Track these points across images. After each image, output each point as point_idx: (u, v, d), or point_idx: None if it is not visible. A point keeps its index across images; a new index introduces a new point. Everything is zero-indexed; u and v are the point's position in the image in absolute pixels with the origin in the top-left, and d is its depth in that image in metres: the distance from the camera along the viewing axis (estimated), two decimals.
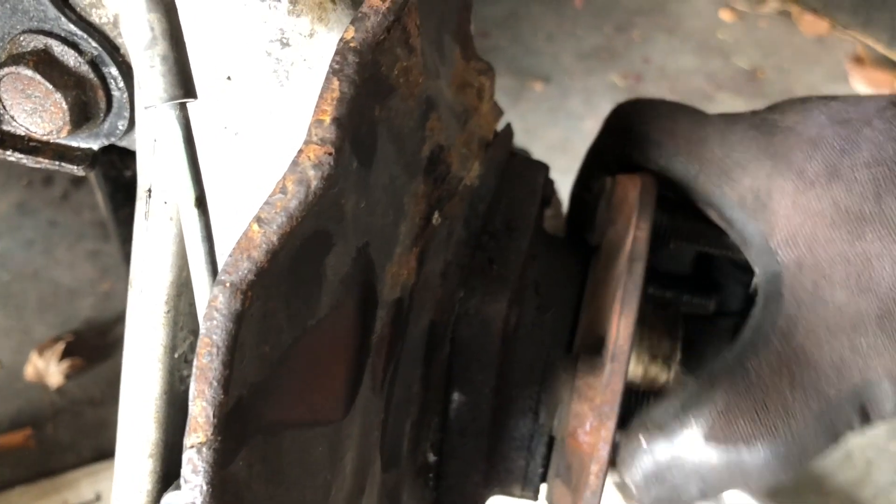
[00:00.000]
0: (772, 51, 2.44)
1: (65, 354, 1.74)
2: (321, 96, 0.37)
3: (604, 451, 0.52)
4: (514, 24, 2.42)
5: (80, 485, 1.59)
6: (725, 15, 2.53)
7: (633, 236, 0.55)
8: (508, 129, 0.64)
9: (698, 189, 0.58)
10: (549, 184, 0.67)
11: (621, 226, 0.57)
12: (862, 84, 2.34)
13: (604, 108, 2.51)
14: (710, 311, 0.66)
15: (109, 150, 0.85)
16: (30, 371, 1.74)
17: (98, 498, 1.58)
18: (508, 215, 0.60)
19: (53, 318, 1.83)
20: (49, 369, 1.72)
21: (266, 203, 0.36)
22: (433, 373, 0.55)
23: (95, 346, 1.79)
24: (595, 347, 0.56)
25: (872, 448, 1.75)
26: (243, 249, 0.36)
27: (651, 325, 0.64)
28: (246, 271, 0.35)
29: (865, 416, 0.51)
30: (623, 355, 0.52)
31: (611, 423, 0.52)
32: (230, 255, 0.36)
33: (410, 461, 0.55)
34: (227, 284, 0.35)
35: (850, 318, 0.50)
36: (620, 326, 0.52)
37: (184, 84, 0.39)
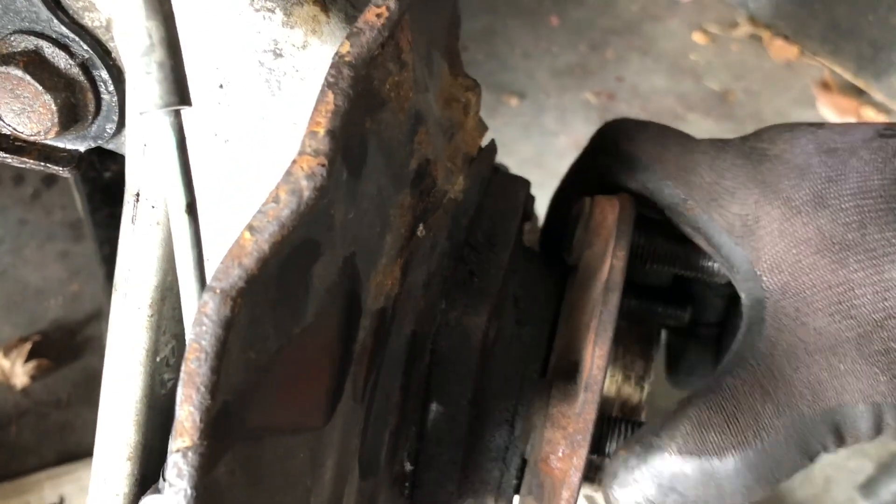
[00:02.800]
0: (742, 74, 2.49)
1: (31, 355, 1.72)
2: (316, 108, 0.38)
3: (575, 478, 0.53)
4: (491, 40, 2.44)
5: (42, 487, 1.57)
6: (698, 37, 2.57)
7: (609, 265, 0.56)
8: (492, 146, 0.65)
9: (686, 214, 0.59)
10: (530, 199, 0.68)
11: (598, 249, 0.59)
12: (828, 109, 2.40)
13: (577, 125, 2.54)
14: (685, 322, 0.67)
15: (89, 150, 0.85)
16: None
17: (61, 501, 1.55)
18: (490, 229, 0.61)
19: (20, 317, 1.81)
20: (14, 370, 1.70)
21: (259, 212, 0.37)
22: (413, 383, 0.55)
23: (63, 347, 1.77)
24: (569, 373, 0.57)
25: (831, 465, 1.78)
26: (234, 257, 0.36)
27: (626, 346, 0.65)
28: (236, 278, 0.36)
29: (840, 438, 0.52)
30: (596, 385, 0.53)
31: (582, 451, 0.53)
32: (221, 262, 0.36)
33: (388, 470, 0.56)
34: (218, 291, 0.36)
35: (829, 341, 0.51)
36: (595, 357, 0.53)
37: (179, 91, 0.39)
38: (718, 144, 0.59)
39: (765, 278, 0.54)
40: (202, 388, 0.36)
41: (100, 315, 1.82)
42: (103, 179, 0.99)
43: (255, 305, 0.38)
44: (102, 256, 1.02)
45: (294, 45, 0.46)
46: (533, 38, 2.50)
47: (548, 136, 2.27)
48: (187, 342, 0.40)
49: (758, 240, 0.54)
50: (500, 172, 0.67)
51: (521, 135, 2.27)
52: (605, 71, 2.45)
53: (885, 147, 0.54)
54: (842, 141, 0.55)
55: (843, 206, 0.52)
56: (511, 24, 2.51)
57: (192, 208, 0.41)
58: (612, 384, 0.63)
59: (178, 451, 0.36)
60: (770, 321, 0.53)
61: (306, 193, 0.37)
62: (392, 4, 0.41)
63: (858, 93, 2.37)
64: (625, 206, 0.59)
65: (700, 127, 2.33)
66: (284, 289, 0.40)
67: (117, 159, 0.59)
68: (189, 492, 0.36)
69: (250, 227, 0.36)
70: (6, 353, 1.73)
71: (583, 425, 0.53)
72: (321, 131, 0.37)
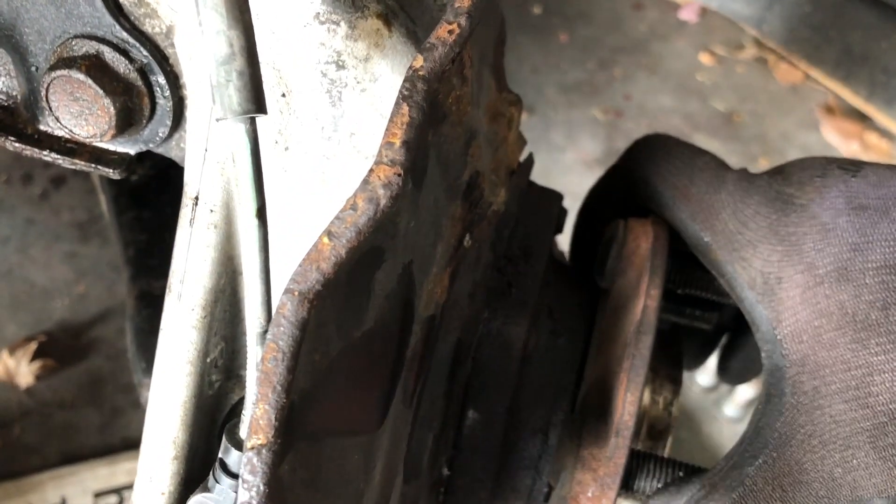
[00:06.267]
0: (748, 95, 2.51)
1: (36, 355, 1.72)
2: (391, 120, 0.39)
3: None
4: None
5: (45, 488, 1.57)
6: (705, 58, 2.60)
7: (643, 304, 0.57)
8: (530, 159, 0.66)
9: (710, 258, 0.58)
10: (563, 212, 0.69)
11: (632, 278, 0.59)
12: (832, 133, 2.42)
13: (584, 141, 2.54)
14: (713, 323, 0.68)
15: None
16: None
17: (63, 502, 1.55)
18: (525, 241, 0.62)
19: (26, 317, 1.81)
20: (19, 369, 1.70)
21: (337, 218, 0.38)
22: (455, 389, 0.56)
23: (68, 347, 1.77)
24: (599, 412, 0.58)
25: None
26: (313, 261, 0.37)
27: (656, 370, 0.66)
28: (314, 282, 0.37)
29: None
30: (627, 431, 0.55)
31: (612, 493, 0.56)
32: (300, 265, 0.37)
33: (428, 474, 0.57)
34: (296, 293, 0.37)
35: (843, 431, 0.50)
36: (626, 403, 0.55)
37: (256, 100, 0.40)
38: (745, 184, 0.58)
39: (785, 345, 0.53)
40: (278, 388, 0.37)
41: (106, 317, 1.82)
42: (130, 182, 1.01)
43: (323, 309, 0.39)
44: (127, 258, 1.02)
45: (356, 58, 0.48)
46: (542, 55, 2.52)
47: (555, 151, 2.29)
48: (253, 345, 0.41)
49: (779, 302, 0.53)
50: (535, 185, 0.68)
51: (530, 149, 2.28)
52: (613, 89, 2.47)
53: None
54: (874, 196, 0.53)
55: (867, 281, 0.50)
56: (521, 40, 2.54)
57: (262, 213, 0.42)
58: (642, 407, 0.64)
59: (252, 448, 0.37)
60: (789, 398, 0.52)
61: (383, 202, 0.38)
62: (464, 21, 0.42)
63: (862, 117, 2.40)
64: (658, 235, 0.60)
65: (706, 147, 2.35)
66: (350, 294, 0.41)
67: (145, 163, 0.60)
68: (262, 488, 0.37)
69: (329, 233, 0.37)
70: (11, 353, 1.73)
71: (613, 469, 0.55)
72: (397, 142, 0.39)
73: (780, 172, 0.59)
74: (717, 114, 2.45)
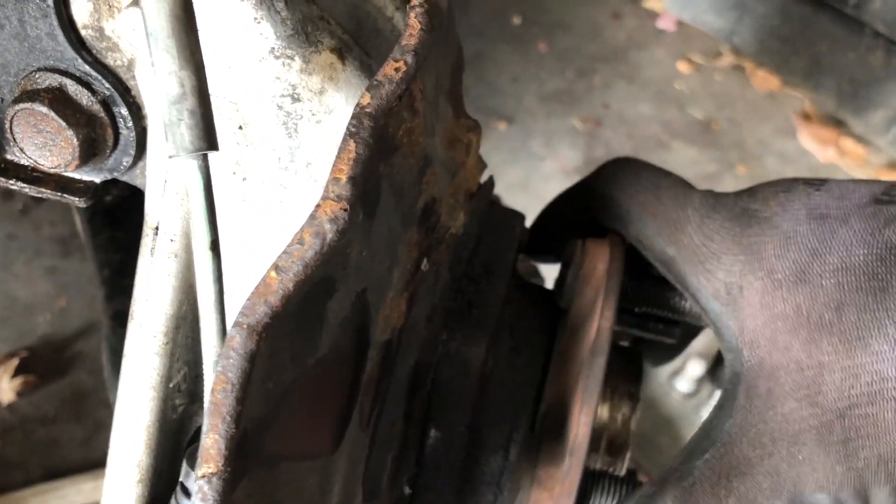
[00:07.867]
0: (725, 103, 2.54)
1: (18, 371, 1.72)
2: (338, 156, 0.41)
3: None
4: (481, 65, 2.48)
5: None
6: (682, 66, 2.62)
7: (597, 326, 0.58)
8: (490, 182, 0.67)
9: (675, 272, 0.59)
10: (525, 232, 0.71)
11: (588, 299, 0.61)
12: (808, 139, 2.45)
13: (563, 150, 2.56)
14: (676, 337, 0.69)
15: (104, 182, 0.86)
16: None
17: None
18: (487, 261, 0.64)
19: (8, 333, 1.81)
20: (1, 385, 1.70)
21: (284, 252, 0.39)
22: (414, 410, 0.58)
23: (50, 363, 1.77)
24: (556, 432, 0.60)
25: None
26: (261, 294, 0.39)
27: (614, 386, 0.68)
28: (262, 315, 0.38)
29: None
30: (581, 451, 0.57)
31: None
32: (248, 299, 0.38)
33: (388, 494, 0.58)
34: (245, 326, 0.38)
35: (792, 428, 0.51)
36: (580, 423, 0.56)
37: (208, 137, 0.42)
38: (711, 201, 0.58)
39: (745, 352, 0.54)
40: (228, 418, 0.38)
41: (88, 331, 1.83)
42: (104, 203, 1.01)
43: (276, 339, 0.41)
44: (103, 278, 1.03)
45: (311, 91, 0.49)
46: (521, 64, 2.54)
47: (535, 160, 2.31)
48: (209, 374, 0.42)
49: (740, 310, 0.54)
50: (497, 206, 0.70)
51: (509, 159, 2.30)
52: (592, 97, 2.50)
53: (877, 215, 0.52)
54: (835, 206, 0.54)
55: (823, 283, 0.51)
56: (500, 49, 2.56)
57: (215, 245, 0.43)
58: (599, 422, 0.65)
59: (203, 476, 0.38)
60: (742, 401, 0.53)
61: (329, 236, 0.39)
62: (409, 59, 0.44)
63: (838, 124, 2.42)
64: (615, 256, 0.62)
65: (684, 155, 2.38)
66: (302, 323, 0.42)
67: (118, 184, 0.60)
68: None
69: (276, 267, 0.39)
70: None
71: (568, 488, 0.57)
72: (343, 178, 0.40)
73: (747, 191, 0.60)
74: (695, 121, 2.48)
